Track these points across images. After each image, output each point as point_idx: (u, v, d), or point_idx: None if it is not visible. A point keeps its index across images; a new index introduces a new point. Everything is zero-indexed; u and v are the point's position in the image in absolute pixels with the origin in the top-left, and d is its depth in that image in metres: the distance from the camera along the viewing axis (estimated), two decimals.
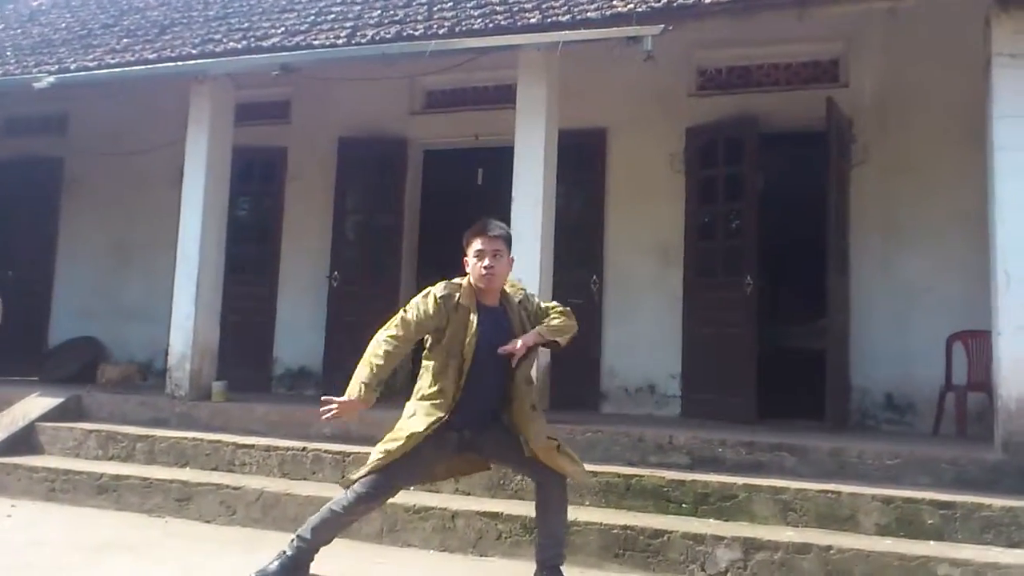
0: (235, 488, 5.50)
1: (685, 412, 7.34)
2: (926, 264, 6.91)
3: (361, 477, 3.92)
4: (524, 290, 4.18)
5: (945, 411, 6.47)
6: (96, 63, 7.86)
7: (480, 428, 3.99)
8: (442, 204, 8.90)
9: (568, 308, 4.18)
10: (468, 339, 3.88)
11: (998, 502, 4.56)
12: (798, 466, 5.30)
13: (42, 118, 10.19)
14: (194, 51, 7.58)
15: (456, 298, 3.93)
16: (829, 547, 4.36)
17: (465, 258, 4.02)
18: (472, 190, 9.23)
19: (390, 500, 4.25)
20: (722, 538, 4.52)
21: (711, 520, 4.88)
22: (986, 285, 5.61)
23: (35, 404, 7.04)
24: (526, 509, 4.96)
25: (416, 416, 3.91)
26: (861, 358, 7.00)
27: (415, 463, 3.92)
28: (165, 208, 8.86)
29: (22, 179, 9.88)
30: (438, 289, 3.96)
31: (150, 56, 7.74)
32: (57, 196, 10.12)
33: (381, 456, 3.87)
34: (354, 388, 3.87)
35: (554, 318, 4.09)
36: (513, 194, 6.51)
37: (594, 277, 7.85)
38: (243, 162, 8.28)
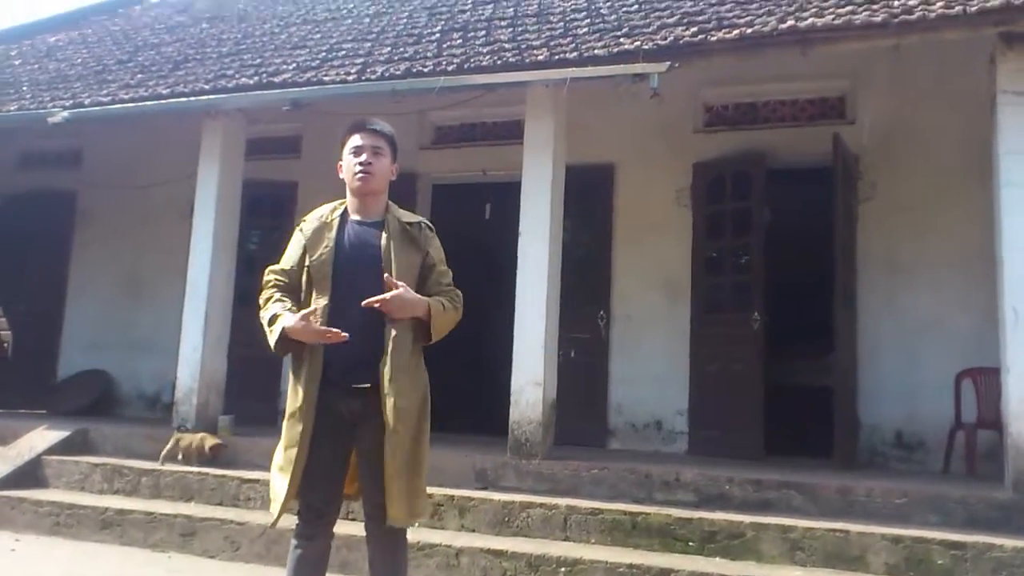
0: (240, 523, 5.47)
1: (692, 449, 7.29)
2: (934, 300, 6.89)
3: (282, 512, 3.16)
4: (423, 221, 3.33)
5: (955, 449, 6.41)
6: (110, 98, 7.96)
7: (363, 400, 3.11)
8: (450, 238, 8.84)
9: (459, 293, 3.30)
10: (324, 257, 3.16)
11: (1010, 543, 4.50)
12: (806, 504, 5.26)
13: (56, 152, 10.31)
14: (207, 86, 7.67)
15: (323, 218, 3.27)
16: None
17: (339, 163, 3.33)
18: (480, 224, 9.28)
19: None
20: None
21: (718, 559, 4.82)
22: (995, 321, 5.59)
23: (42, 437, 7.05)
24: (532, 547, 4.94)
25: (294, 385, 3.17)
26: (870, 394, 6.96)
27: (316, 450, 3.10)
28: (175, 241, 8.91)
29: (35, 213, 9.98)
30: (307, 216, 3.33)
31: (163, 91, 7.83)
32: (69, 229, 10.20)
33: (282, 466, 3.13)
34: (278, 322, 3.08)
35: (444, 294, 3.23)
36: (520, 228, 6.53)
37: (601, 312, 7.84)
38: (254, 196, 8.36)
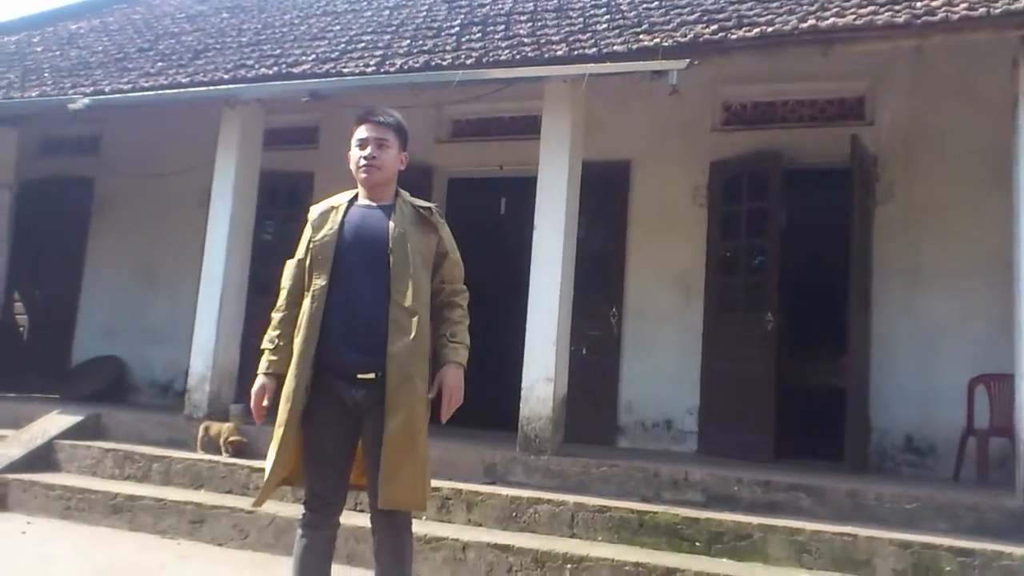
0: (249, 512, 5.48)
1: (702, 448, 7.27)
2: (949, 305, 6.82)
3: (266, 495, 3.26)
4: (433, 205, 3.34)
5: (966, 455, 6.35)
6: (130, 86, 8.02)
7: (367, 391, 3.08)
8: (465, 232, 8.82)
9: (466, 293, 3.32)
10: (327, 239, 3.17)
11: (1019, 551, 4.45)
12: (814, 507, 5.23)
13: (75, 139, 10.37)
14: (226, 76, 7.70)
15: (331, 203, 3.30)
16: None
17: (348, 153, 3.35)
18: (495, 219, 9.28)
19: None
20: None
21: (724, 560, 4.81)
22: (1010, 327, 5.54)
23: (55, 422, 7.11)
24: (539, 543, 4.94)
25: (291, 368, 3.13)
26: (882, 398, 6.91)
27: (319, 437, 3.11)
28: (191, 230, 8.96)
29: (53, 199, 10.02)
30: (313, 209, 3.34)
31: (183, 80, 7.88)
32: (87, 216, 10.27)
33: (276, 452, 3.11)
34: (262, 361, 3.24)
35: (457, 317, 3.25)
36: (535, 224, 6.51)
37: (613, 309, 7.82)
38: (270, 186, 8.38)
